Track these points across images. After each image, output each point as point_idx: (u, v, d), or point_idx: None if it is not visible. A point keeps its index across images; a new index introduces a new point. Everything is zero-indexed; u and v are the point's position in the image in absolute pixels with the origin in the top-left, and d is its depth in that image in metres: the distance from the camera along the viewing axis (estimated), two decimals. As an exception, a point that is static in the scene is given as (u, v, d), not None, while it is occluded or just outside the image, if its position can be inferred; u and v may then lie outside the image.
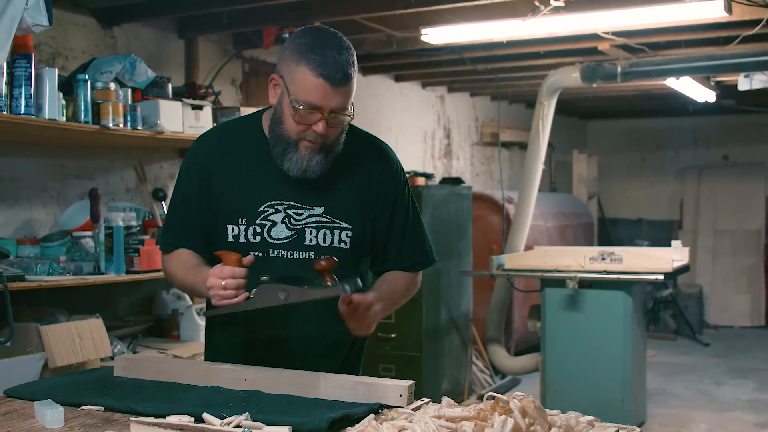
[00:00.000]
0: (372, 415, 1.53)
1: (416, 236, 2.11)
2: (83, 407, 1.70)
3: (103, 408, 1.69)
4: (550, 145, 6.25)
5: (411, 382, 1.71)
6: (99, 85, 3.37)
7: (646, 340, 5.33)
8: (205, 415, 1.53)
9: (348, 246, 1.99)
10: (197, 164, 2.03)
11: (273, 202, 1.96)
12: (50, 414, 1.57)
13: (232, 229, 1.97)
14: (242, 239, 1.96)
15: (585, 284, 4.78)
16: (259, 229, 1.95)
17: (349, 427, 1.47)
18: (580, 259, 4.84)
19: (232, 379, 1.83)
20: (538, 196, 6.08)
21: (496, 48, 5.11)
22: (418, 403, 1.68)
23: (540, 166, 5.92)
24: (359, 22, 4.48)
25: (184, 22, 4.35)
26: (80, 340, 3.07)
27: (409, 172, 5.96)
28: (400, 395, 1.67)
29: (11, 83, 2.97)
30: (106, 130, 3.32)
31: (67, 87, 3.28)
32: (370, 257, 2.10)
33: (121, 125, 3.39)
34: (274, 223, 1.95)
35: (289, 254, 1.96)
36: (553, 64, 5.71)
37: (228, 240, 1.97)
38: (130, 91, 3.53)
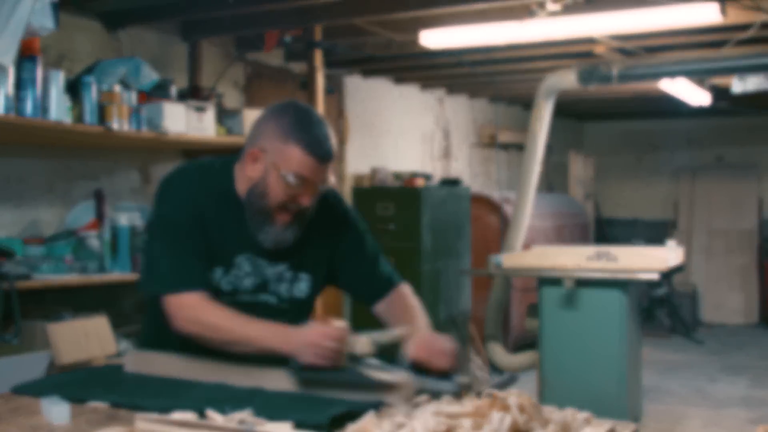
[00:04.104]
0: (372, 412, 1.54)
1: (379, 260, 2.20)
2: (89, 403, 1.71)
3: (108, 404, 1.70)
4: (547, 146, 6.28)
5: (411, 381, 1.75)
6: (104, 87, 3.40)
7: (641, 338, 5.36)
8: (209, 411, 1.54)
9: (306, 294, 2.10)
10: (187, 202, 1.99)
11: (245, 254, 2.01)
12: (56, 410, 1.58)
13: (212, 273, 2.00)
14: (217, 286, 2.00)
15: (581, 283, 4.79)
16: (232, 279, 2.01)
17: (350, 423, 1.48)
18: (576, 258, 4.87)
19: (236, 376, 1.86)
20: (535, 197, 6.11)
21: (494, 51, 5.13)
22: (418, 399, 1.71)
23: (537, 167, 5.93)
24: (360, 26, 4.52)
25: (187, 25, 4.38)
26: (86, 338, 3.08)
27: (408, 173, 6.01)
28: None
29: (18, 85, 3.00)
30: (111, 132, 3.34)
31: (73, 89, 3.31)
32: (352, 295, 2.27)
33: (125, 127, 3.41)
34: (245, 274, 2.02)
35: (253, 299, 2.03)
36: (550, 66, 5.73)
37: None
38: (134, 93, 3.55)
